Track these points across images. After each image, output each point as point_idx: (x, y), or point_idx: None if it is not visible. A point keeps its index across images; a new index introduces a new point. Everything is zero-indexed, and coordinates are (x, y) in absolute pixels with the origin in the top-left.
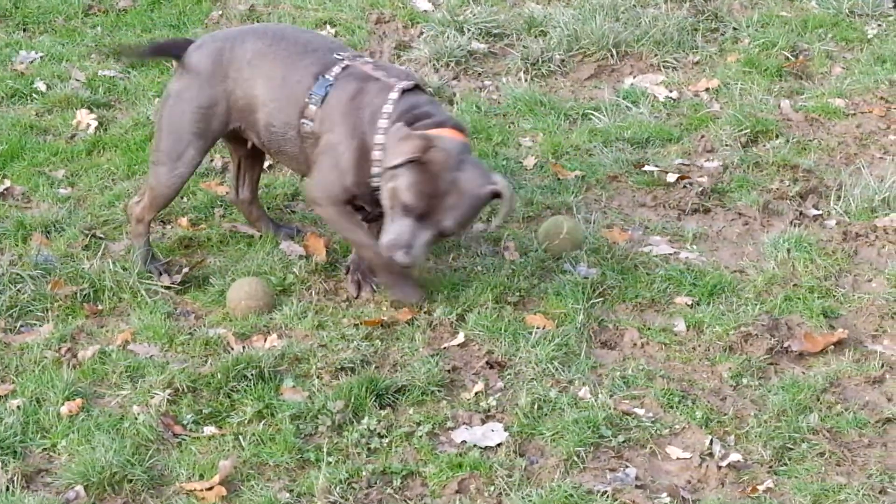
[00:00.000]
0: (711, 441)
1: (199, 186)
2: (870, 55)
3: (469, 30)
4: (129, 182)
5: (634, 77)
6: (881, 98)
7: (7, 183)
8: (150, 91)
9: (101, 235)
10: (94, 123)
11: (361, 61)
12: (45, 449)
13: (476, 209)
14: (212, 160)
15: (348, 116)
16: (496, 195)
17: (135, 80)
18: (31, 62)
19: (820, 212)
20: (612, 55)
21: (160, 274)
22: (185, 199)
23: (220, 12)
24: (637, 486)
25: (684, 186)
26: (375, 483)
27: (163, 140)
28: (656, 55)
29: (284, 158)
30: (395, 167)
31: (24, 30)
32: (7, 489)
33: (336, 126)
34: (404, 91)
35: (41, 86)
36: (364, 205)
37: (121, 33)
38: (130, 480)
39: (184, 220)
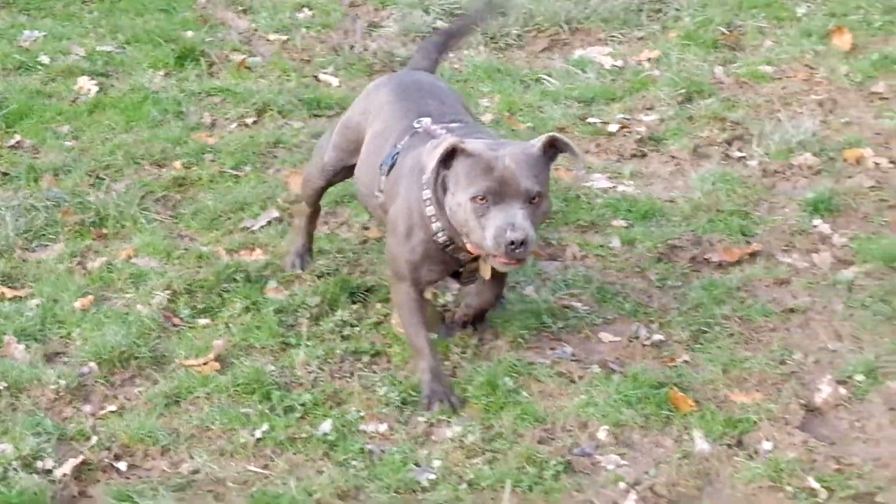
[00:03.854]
0: (638, 327)
1: (191, 137)
2: (798, 30)
3: (434, 10)
4: (128, 135)
5: (584, 49)
6: (806, 65)
7: (18, 137)
8: (144, 63)
9: (104, 177)
10: (95, 88)
11: (440, 125)
12: (61, 336)
13: (541, 163)
14: (201, 117)
15: (405, 184)
16: (551, 143)
17: (130, 53)
18: (35, 40)
19: (743, 154)
20: (563, 31)
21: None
22: (178, 148)
23: None
24: (572, 360)
25: (624, 135)
26: (347, 359)
27: (326, 132)
28: (604, 31)
29: (377, 221)
30: (436, 170)
31: (27, 14)
32: (31, 364)
33: (396, 197)
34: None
35: (45, 59)
36: (444, 272)
37: (115, 16)
38: (137, 358)
39: (178, 164)
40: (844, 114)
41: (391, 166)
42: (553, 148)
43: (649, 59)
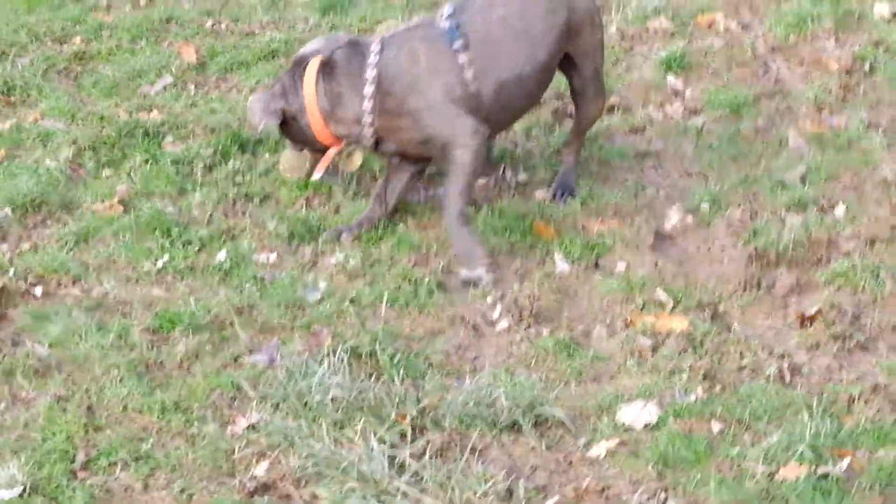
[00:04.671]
0: (504, 168)
1: (89, 17)
2: None
3: None
4: (30, 16)
5: None
6: None
7: None
8: None
9: (9, 53)
10: None
11: None
12: None
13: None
14: None
15: None
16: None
17: None
18: None
19: (603, 20)
20: None
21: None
22: (77, 26)
23: None
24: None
25: None
26: (240, 201)
27: None
28: None
29: None
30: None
31: None
32: None
33: None
34: None
35: None
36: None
37: None
38: (47, 203)
39: (77, 39)
40: None
41: None
42: None
43: None
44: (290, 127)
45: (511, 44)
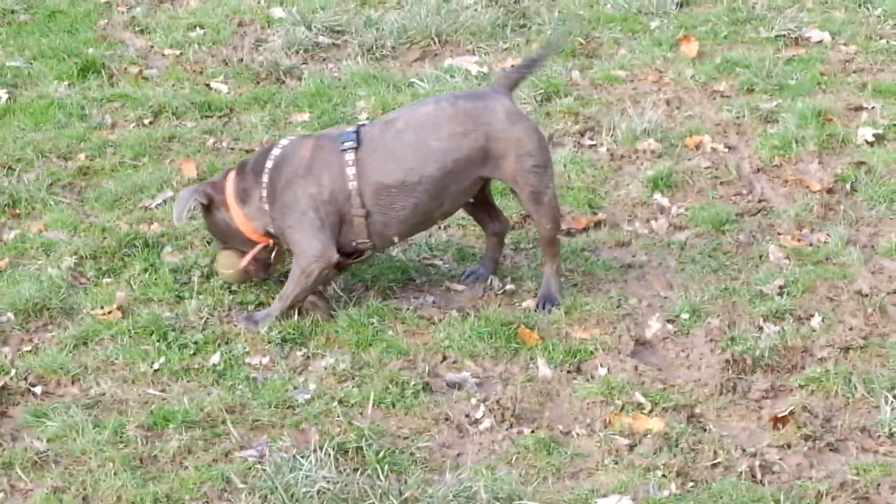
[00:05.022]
0: (492, 279)
1: (94, 135)
2: (650, 40)
3: (316, 27)
4: (37, 134)
5: (453, 59)
6: (657, 70)
7: None
8: (50, 75)
9: (15, 168)
10: (5, 96)
11: None
12: None
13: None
14: (103, 119)
15: None
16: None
17: (37, 67)
18: None
19: (594, 142)
20: (434, 43)
21: None
22: (82, 144)
23: (107, 20)
24: (433, 306)
25: None
26: (235, 307)
27: None
28: (472, 43)
29: None
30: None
31: None
32: None
33: None
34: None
35: None
36: None
37: (22, 37)
38: (48, 309)
39: (82, 156)
40: (688, 109)
41: None
42: None
43: (512, 65)
44: (218, 223)
45: (400, 152)
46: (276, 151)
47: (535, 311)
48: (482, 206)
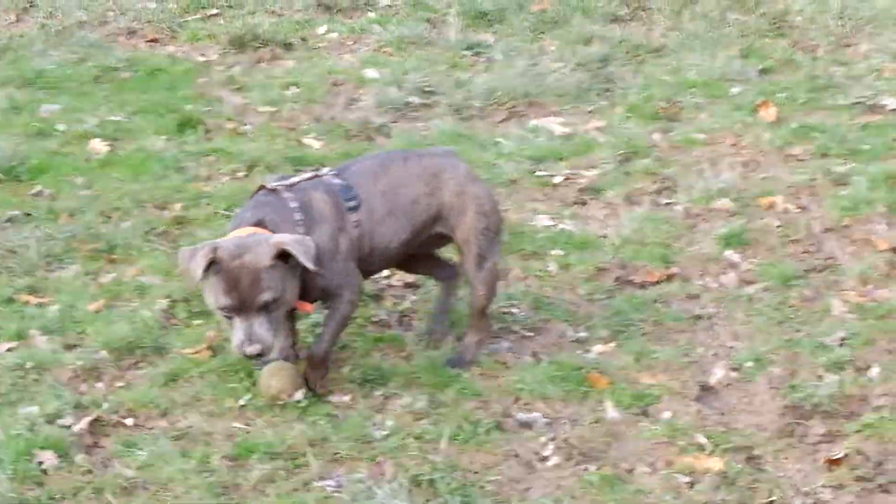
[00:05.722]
0: (565, 328)
1: (189, 186)
2: (730, 105)
3: (407, 87)
4: (134, 185)
5: (538, 120)
6: (735, 134)
7: (39, 187)
8: (149, 130)
9: (113, 216)
10: (106, 149)
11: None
12: (77, 332)
13: (274, 271)
14: (198, 172)
15: None
16: (283, 253)
17: (137, 122)
18: (53, 112)
19: (671, 201)
20: (520, 104)
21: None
22: (177, 195)
23: (205, 79)
24: (508, 352)
25: (567, 186)
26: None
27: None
28: (557, 105)
29: None
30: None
31: (46, 91)
32: (52, 351)
33: None
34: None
35: (61, 126)
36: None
37: (124, 93)
38: (141, 348)
39: (177, 206)
40: (763, 171)
41: None
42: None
43: (596, 128)
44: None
45: (389, 217)
46: (292, 203)
47: (445, 366)
48: (426, 258)
